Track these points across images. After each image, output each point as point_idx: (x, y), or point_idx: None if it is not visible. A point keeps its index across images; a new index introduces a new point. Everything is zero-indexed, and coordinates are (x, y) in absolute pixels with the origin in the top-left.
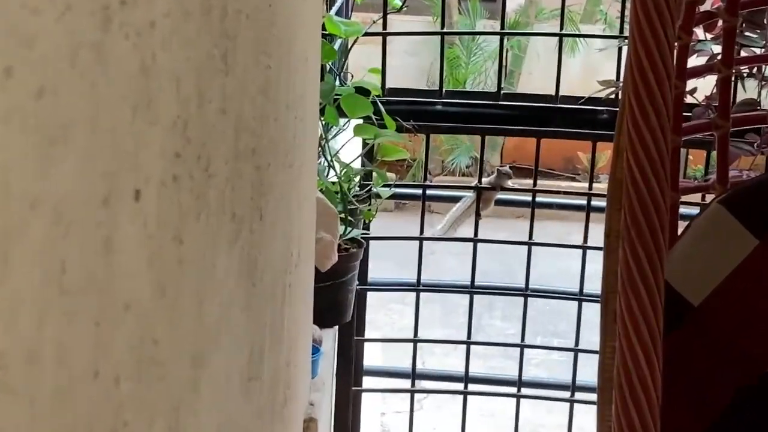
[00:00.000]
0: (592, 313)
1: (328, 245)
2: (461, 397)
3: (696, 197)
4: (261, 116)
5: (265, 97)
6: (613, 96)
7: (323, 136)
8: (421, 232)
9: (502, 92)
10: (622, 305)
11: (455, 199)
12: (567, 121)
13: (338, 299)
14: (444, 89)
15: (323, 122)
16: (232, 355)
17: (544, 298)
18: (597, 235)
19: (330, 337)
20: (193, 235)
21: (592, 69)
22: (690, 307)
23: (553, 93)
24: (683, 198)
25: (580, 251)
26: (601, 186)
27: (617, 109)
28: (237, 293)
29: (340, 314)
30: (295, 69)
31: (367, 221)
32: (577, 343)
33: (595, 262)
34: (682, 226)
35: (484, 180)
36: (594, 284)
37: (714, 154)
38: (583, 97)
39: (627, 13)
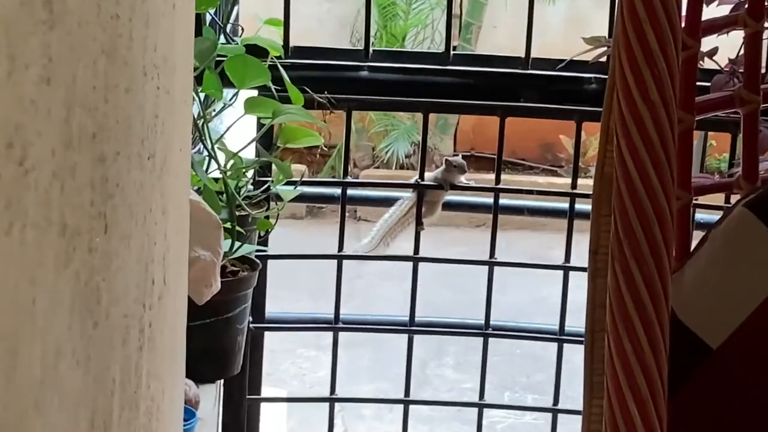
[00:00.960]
0: (579, 358)
1: (206, 267)
2: None
3: (717, 198)
4: (105, 87)
5: (110, 59)
6: (604, 59)
7: (201, 115)
8: (341, 247)
9: (453, 53)
10: (611, 349)
11: (389, 202)
12: (543, 93)
13: (222, 343)
14: (373, 48)
15: (200, 95)
16: (62, 423)
17: (511, 338)
18: (585, 250)
19: (211, 396)
20: (0, 256)
21: (578, 21)
22: (706, 351)
23: (523, 54)
24: (699, 199)
25: (561, 273)
26: (590, 182)
27: (607, 76)
28: (69, 338)
29: (226, 364)
30: (157, 19)
31: (263, 233)
32: (556, 400)
33: (583, 288)
34: (696, 238)
35: (429, 175)
36: (580, 319)
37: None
38: (564, 60)
39: None
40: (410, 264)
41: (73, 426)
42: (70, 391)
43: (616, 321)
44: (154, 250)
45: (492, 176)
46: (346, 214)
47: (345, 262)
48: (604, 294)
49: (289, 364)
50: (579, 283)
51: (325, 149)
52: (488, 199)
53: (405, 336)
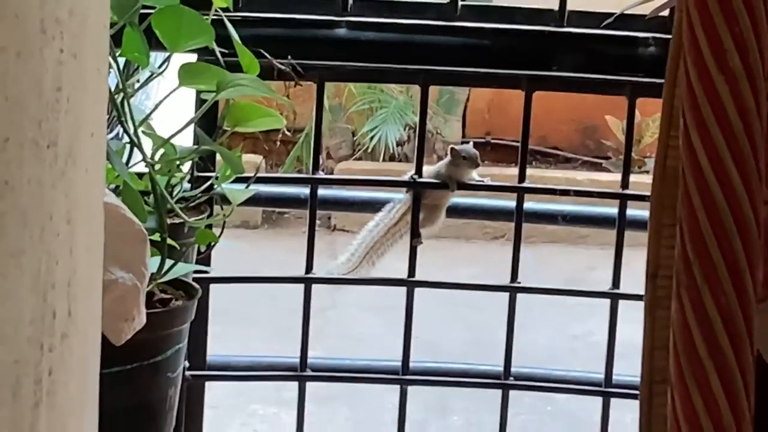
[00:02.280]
0: (631, 417)
1: (126, 295)
2: None
3: None
4: None
5: None
6: (666, 12)
7: (120, 87)
8: (309, 267)
9: (461, 3)
10: (676, 406)
11: (375, 206)
12: (583, 58)
13: (148, 397)
14: None
15: (119, 60)
16: None
17: (540, 390)
18: (639, 272)
19: None
20: None
21: None
22: None
23: (557, 6)
24: None
25: (607, 302)
26: (647, 180)
27: (671, 36)
28: None
29: (153, 425)
30: None
31: (204, 248)
32: None
33: (636, 322)
34: None
35: (428, 169)
36: (633, 365)
37: None
38: (612, 14)
39: None
40: (403, 290)
41: None
42: None
43: (682, 368)
44: (55, 272)
45: (514, 171)
46: (317, 221)
47: (315, 287)
48: (665, 331)
49: (239, 425)
50: (631, 316)
51: (289, 134)
52: (510, 202)
53: (397, 387)
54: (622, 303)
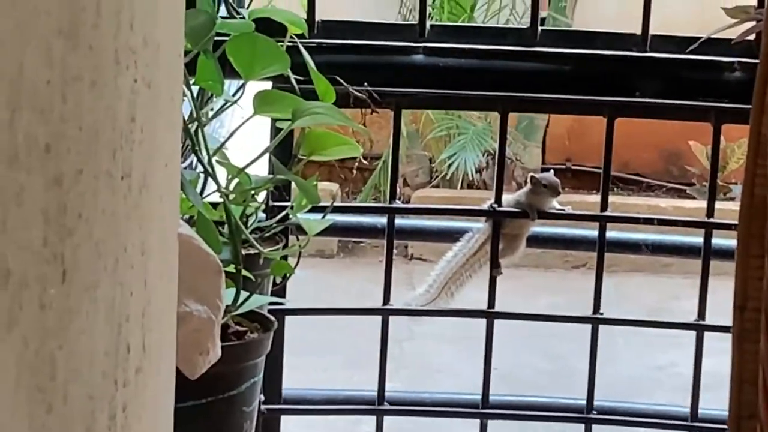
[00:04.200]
0: None
1: (201, 327)
2: None
3: None
4: (63, 80)
5: (70, 42)
6: (752, 37)
7: (194, 116)
8: (387, 298)
9: (541, 28)
10: None
11: (454, 235)
12: (666, 83)
13: (223, 431)
14: (431, 22)
15: (193, 89)
16: None
17: (624, 424)
18: (725, 302)
19: None
20: None
21: None
22: None
23: (639, 31)
24: None
25: (692, 334)
26: (733, 207)
27: (758, 61)
28: (13, 427)
29: None
30: None
31: (280, 279)
32: None
33: (722, 354)
34: None
35: (508, 198)
36: (720, 398)
37: None
38: (698, 39)
39: None
40: (482, 321)
41: None
42: None
43: None
44: (129, 305)
45: (596, 198)
46: (394, 251)
47: (392, 318)
48: (754, 365)
49: None
50: (718, 347)
51: (365, 162)
52: (591, 231)
53: (476, 421)
54: (707, 335)
